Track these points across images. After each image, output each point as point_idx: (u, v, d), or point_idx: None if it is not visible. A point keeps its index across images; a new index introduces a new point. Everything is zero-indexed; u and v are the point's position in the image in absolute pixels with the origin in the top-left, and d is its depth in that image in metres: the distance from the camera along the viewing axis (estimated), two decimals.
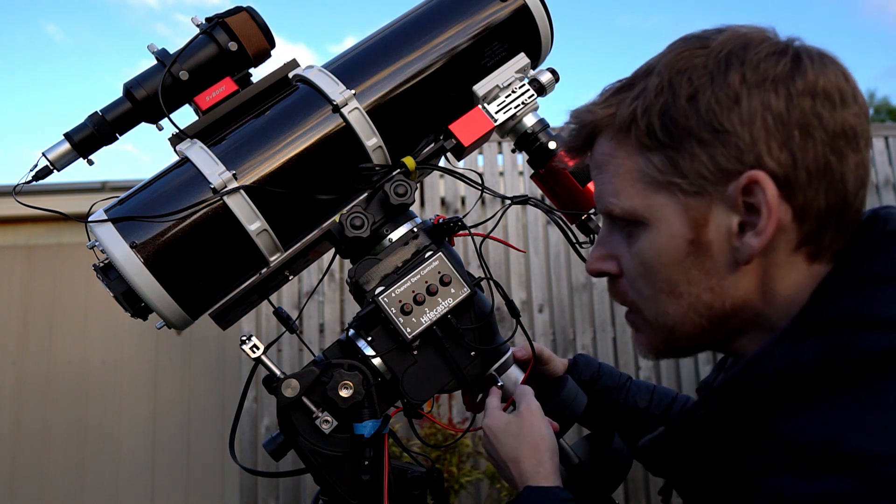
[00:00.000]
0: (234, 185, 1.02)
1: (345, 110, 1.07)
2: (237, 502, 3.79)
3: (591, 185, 1.13)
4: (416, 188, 1.11)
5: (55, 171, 1.08)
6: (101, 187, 4.37)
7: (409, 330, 1.02)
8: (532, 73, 1.21)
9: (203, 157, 1.04)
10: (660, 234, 0.66)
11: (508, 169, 3.96)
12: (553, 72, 1.22)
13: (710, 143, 0.62)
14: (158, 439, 4.14)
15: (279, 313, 1.15)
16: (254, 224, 1.04)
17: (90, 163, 1.11)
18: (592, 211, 1.15)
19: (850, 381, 0.55)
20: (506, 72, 1.17)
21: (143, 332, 4.09)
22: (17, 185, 1.05)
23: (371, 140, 1.09)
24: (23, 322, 4.26)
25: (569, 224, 1.17)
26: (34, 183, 1.13)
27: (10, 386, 4.18)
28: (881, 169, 4.23)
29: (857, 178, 0.63)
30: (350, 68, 1.12)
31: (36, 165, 1.06)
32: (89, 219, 1.02)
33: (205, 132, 1.09)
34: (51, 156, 1.07)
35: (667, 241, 0.66)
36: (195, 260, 1.05)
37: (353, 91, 1.07)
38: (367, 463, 1.01)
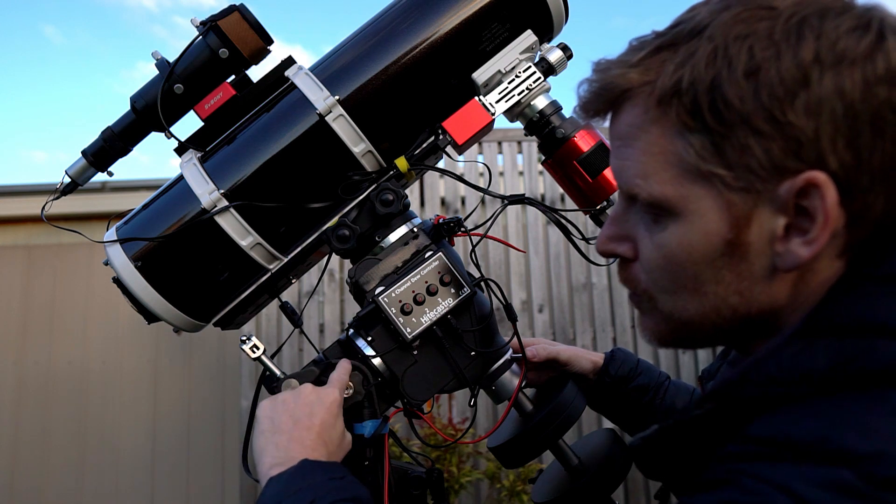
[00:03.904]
0: (223, 204, 1.04)
1: (329, 118, 1.03)
2: (237, 502, 3.79)
3: (606, 172, 1.05)
4: (405, 196, 1.09)
5: (78, 185, 1.16)
6: (102, 188, 4.37)
7: (409, 330, 1.02)
8: (541, 51, 1.10)
9: (195, 176, 1.06)
10: (692, 229, 0.58)
11: (508, 169, 3.96)
12: (564, 48, 1.10)
13: (767, 134, 0.53)
14: (158, 439, 4.14)
15: (286, 307, 1.17)
16: (246, 239, 1.05)
17: (109, 174, 1.18)
18: (603, 205, 1.08)
19: (854, 387, 0.51)
20: (509, 54, 1.07)
21: (143, 333, 4.09)
22: (46, 203, 1.15)
23: (359, 146, 1.05)
24: (23, 322, 4.26)
25: (569, 221, 1.14)
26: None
27: (10, 386, 4.17)
28: None
29: None
30: (335, 69, 1.08)
31: (62, 183, 1.16)
32: (102, 239, 1.11)
33: (205, 141, 1.11)
34: (71, 172, 1.15)
35: (700, 238, 0.58)
36: (194, 273, 1.09)
37: (336, 97, 1.03)
38: (367, 463, 1.01)
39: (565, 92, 1.13)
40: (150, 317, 1.10)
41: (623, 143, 0.62)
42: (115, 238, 1.08)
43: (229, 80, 1.12)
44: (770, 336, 0.60)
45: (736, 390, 0.56)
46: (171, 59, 1.09)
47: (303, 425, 0.89)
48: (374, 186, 1.08)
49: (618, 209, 0.66)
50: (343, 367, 1.01)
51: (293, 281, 1.22)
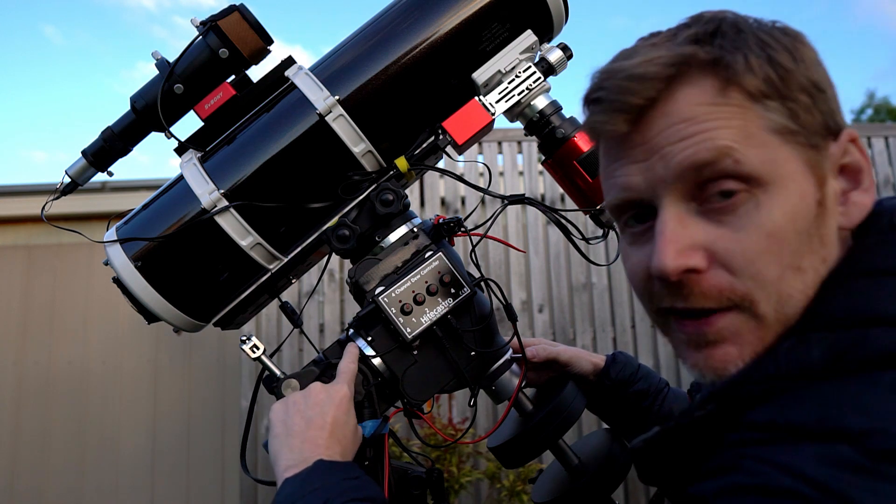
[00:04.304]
0: (223, 204, 1.04)
1: (329, 118, 1.03)
2: (237, 502, 3.79)
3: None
4: (405, 196, 1.09)
5: (78, 185, 1.16)
6: (102, 188, 4.37)
7: (409, 330, 1.02)
8: (541, 51, 1.10)
9: (195, 176, 1.06)
10: (791, 194, 0.57)
11: (508, 169, 3.96)
12: (564, 48, 1.10)
13: (818, 98, 0.59)
14: (158, 439, 4.14)
15: (286, 307, 1.17)
16: (246, 239, 1.06)
17: (110, 174, 1.17)
18: (603, 205, 1.04)
19: (848, 373, 0.52)
20: (509, 54, 1.07)
21: (143, 333, 4.10)
22: (46, 203, 1.14)
23: (359, 146, 1.06)
24: (23, 322, 4.26)
25: (570, 221, 1.14)
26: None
27: (10, 386, 4.17)
28: (881, 169, 4.23)
29: None
30: (335, 69, 1.08)
31: (62, 183, 1.15)
32: (102, 239, 1.10)
33: (205, 141, 1.11)
34: (71, 172, 1.15)
35: (799, 202, 0.57)
36: (194, 273, 1.09)
37: (336, 97, 1.04)
38: (367, 463, 1.01)
39: (565, 92, 1.13)
40: (150, 317, 1.10)
41: (693, 122, 0.58)
42: (115, 238, 1.08)
43: (229, 80, 1.12)
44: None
45: (736, 390, 0.57)
46: (171, 59, 1.09)
47: (315, 425, 0.90)
48: (374, 186, 1.08)
49: (670, 225, 0.59)
50: (350, 354, 1.01)
51: (293, 281, 1.23)
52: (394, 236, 1.10)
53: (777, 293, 0.57)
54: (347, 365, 1.00)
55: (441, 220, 1.10)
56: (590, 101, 0.63)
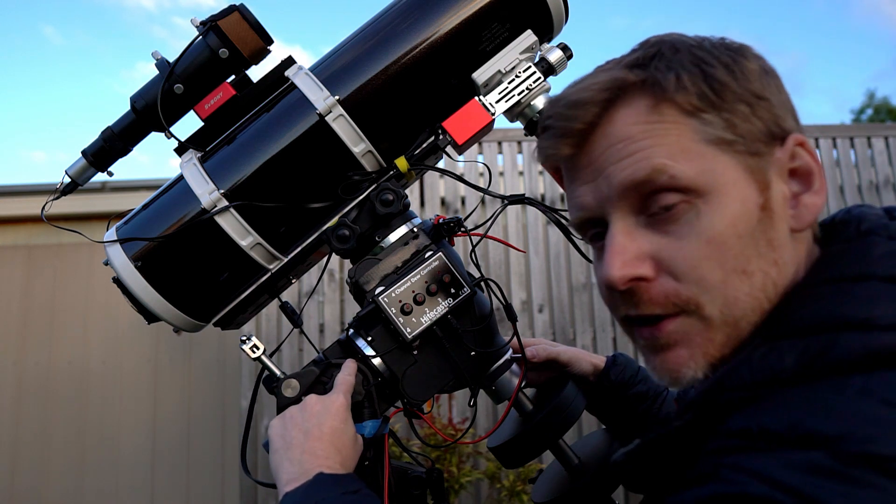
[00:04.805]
0: (223, 204, 1.04)
1: (329, 118, 1.03)
2: (237, 502, 3.79)
3: None
4: (405, 196, 1.09)
5: (78, 185, 1.16)
6: (102, 188, 4.38)
7: (409, 330, 1.02)
8: (541, 51, 1.10)
9: (195, 176, 1.06)
10: (731, 201, 0.60)
11: (508, 169, 3.96)
12: (564, 48, 1.09)
13: (757, 107, 0.62)
14: (158, 439, 4.14)
15: (286, 307, 1.17)
16: (246, 239, 1.05)
17: (109, 174, 1.17)
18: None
19: (819, 379, 0.54)
20: (509, 54, 1.07)
21: (142, 333, 4.10)
22: (46, 203, 1.14)
23: (359, 146, 1.05)
24: (23, 322, 4.26)
25: (570, 221, 1.14)
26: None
27: (10, 386, 4.17)
28: (881, 169, 4.23)
29: None
30: (335, 69, 1.08)
31: (62, 183, 1.15)
32: (102, 239, 1.10)
33: (205, 141, 1.11)
34: (71, 172, 1.15)
35: (740, 208, 0.60)
36: (194, 273, 1.09)
37: (336, 97, 1.03)
38: (367, 463, 1.01)
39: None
40: (150, 317, 1.10)
41: (630, 141, 0.62)
42: (115, 238, 1.08)
43: (229, 80, 1.12)
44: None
45: (713, 398, 0.59)
46: (171, 60, 1.09)
47: (313, 436, 0.90)
48: (374, 186, 1.08)
49: (618, 237, 0.63)
50: (348, 368, 1.01)
51: (293, 281, 1.22)
52: (394, 236, 1.10)
53: (722, 296, 0.60)
54: (345, 377, 0.99)
55: (441, 220, 1.10)
56: (541, 129, 0.69)
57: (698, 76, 0.62)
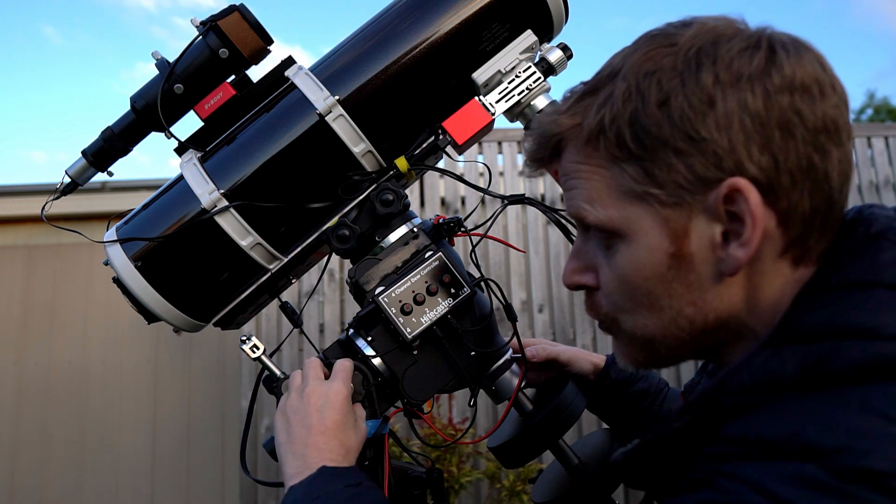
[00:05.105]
0: (223, 204, 1.04)
1: (329, 118, 1.03)
2: (237, 502, 3.79)
3: None
4: (405, 196, 1.09)
5: (78, 185, 1.16)
6: (102, 188, 4.38)
7: (409, 330, 1.02)
8: (541, 51, 1.10)
9: (195, 176, 1.06)
10: (638, 247, 0.63)
11: (508, 169, 3.96)
12: (564, 48, 1.10)
13: (686, 152, 0.59)
14: (158, 439, 4.14)
15: (286, 307, 1.17)
16: (246, 239, 1.05)
17: (109, 174, 1.17)
18: None
19: (821, 387, 0.54)
20: (509, 54, 1.07)
21: (142, 333, 4.10)
22: (46, 203, 1.14)
23: (359, 146, 1.05)
24: (23, 322, 4.26)
25: (569, 221, 1.14)
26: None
27: (10, 386, 4.17)
28: (881, 169, 4.23)
29: (840, 174, 0.60)
30: (335, 69, 1.07)
31: (62, 183, 1.15)
32: (102, 239, 1.10)
33: (205, 141, 1.11)
34: (71, 172, 1.15)
35: (646, 255, 0.63)
36: (194, 273, 1.09)
37: (336, 97, 1.03)
38: (367, 463, 1.01)
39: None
40: (150, 317, 1.10)
41: (567, 178, 0.68)
42: (115, 238, 1.08)
43: (229, 80, 1.12)
44: (737, 343, 0.65)
45: (712, 400, 0.59)
46: (171, 60, 1.09)
47: (316, 430, 0.91)
48: (374, 186, 1.08)
49: (577, 244, 0.72)
50: (344, 361, 1.01)
51: (293, 281, 1.22)
52: (394, 236, 1.10)
53: (632, 320, 0.66)
54: (343, 363, 0.99)
55: (441, 220, 1.10)
56: (523, 148, 0.76)
57: (624, 120, 0.61)
